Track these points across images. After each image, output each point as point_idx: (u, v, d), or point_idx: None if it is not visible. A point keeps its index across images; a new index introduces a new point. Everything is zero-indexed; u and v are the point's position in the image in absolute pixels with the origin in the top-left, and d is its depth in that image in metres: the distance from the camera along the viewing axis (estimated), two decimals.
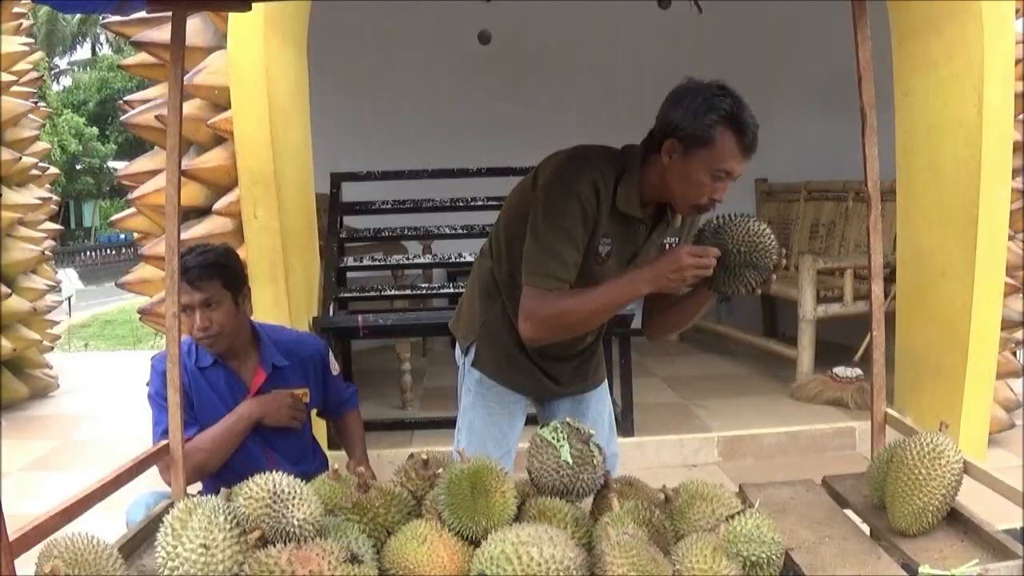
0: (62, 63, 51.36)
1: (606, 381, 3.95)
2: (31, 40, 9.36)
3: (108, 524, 2.99)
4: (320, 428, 4.84)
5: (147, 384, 3.90)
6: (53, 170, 9.91)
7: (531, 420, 3.74)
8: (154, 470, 3.24)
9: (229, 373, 3.92)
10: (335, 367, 4.22)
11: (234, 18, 5.28)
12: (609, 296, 3.09)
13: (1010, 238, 5.94)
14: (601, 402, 3.87)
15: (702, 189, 3.05)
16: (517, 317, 3.34)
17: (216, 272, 3.80)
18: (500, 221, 3.54)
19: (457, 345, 3.73)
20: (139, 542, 2.79)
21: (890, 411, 3.31)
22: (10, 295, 8.43)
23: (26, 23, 9.12)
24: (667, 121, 3.07)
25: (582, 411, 3.74)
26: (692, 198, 3.10)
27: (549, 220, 3.11)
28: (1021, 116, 6.22)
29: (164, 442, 3.13)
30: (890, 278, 6.28)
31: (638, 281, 3.05)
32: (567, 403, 3.74)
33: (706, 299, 3.31)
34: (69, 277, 22.73)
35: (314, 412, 4.23)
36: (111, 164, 40.48)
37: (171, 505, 2.68)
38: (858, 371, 7.16)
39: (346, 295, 7.03)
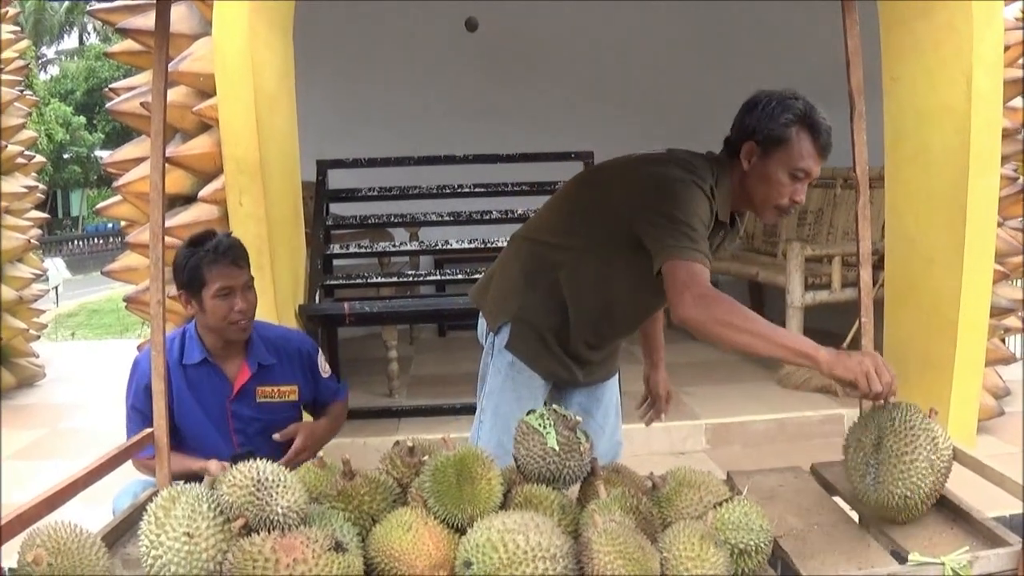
0: (49, 52, 51.19)
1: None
2: (17, 28, 9.33)
3: (92, 513, 2.98)
4: None
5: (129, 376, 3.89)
6: (39, 158, 9.87)
7: None
8: None
9: (215, 371, 3.91)
10: (325, 368, 4.19)
11: (219, 5, 5.26)
12: (785, 338, 2.91)
13: (999, 225, 5.94)
14: (613, 391, 3.90)
15: (782, 190, 3.16)
16: (575, 300, 3.41)
17: (247, 254, 3.87)
18: (560, 209, 3.54)
19: (483, 323, 3.68)
20: (123, 531, 2.78)
21: None
22: None
23: (13, 11, 9.09)
24: (743, 127, 3.19)
25: (597, 397, 3.77)
26: (773, 199, 3.19)
27: (683, 208, 3.07)
28: (1013, 102, 6.23)
29: (147, 431, 3.11)
30: (878, 265, 6.28)
31: (819, 351, 2.75)
32: (583, 392, 3.75)
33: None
34: (56, 266, 22.76)
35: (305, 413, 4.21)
36: (99, 153, 40.40)
37: (156, 493, 2.66)
38: None
39: (332, 282, 7.00)
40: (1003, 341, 6.98)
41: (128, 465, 3.06)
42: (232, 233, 3.95)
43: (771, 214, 3.29)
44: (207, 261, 3.72)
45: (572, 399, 3.70)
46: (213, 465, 3.48)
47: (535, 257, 3.50)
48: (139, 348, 6.01)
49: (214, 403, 3.90)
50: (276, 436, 3.84)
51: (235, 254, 3.76)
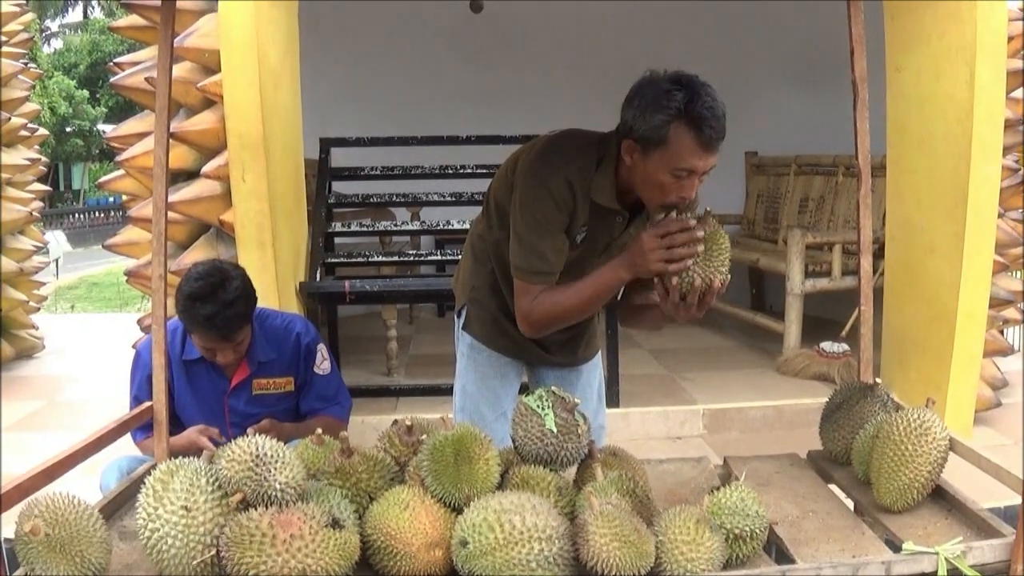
0: (53, 26, 50.99)
1: (599, 354, 3.93)
2: (22, 1, 9.32)
3: (87, 486, 2.99)
4: None
5: (132, 347, 3.88)
6: (42, 131, 9.87)
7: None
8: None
9: (213, 367, 3.88)
10: (323, 366, 4.09)
11: None
12: (595, 286, 3.05)
13: (1000, 216, 5.93)
14: (592, 374, 3.84)
15: (666, 189, 2.92)
16: (504, 284, 3.39)
17: (246, 318, 3.76)
18: (490, 190, 3.50)
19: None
20: (120, 503, 2.79)
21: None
22: None
23: None
24: (623, 121, 2.97)
25: (571, 380, 3.71)
26: (658, 198, 2.96)
27: (526, 215, 3.08)
28: (1015, 93, 6.22)
29: (147, 404, 3.12)
30: (879, 254, 6.27)
31: (617, 267, 2.96)
32: (556, 372, 3.71)
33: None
34: (57, 239, 22.78)
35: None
36: (101, 127, 40.35)
37: (154, 467, 2.67)
38: (845, 346, 7.17)
39: (333, 260, 7.01)
40: (1002, 332, 6.98)
41: (119, 440, 3.06)
42: (232, 290, 3.65)
43: (660, 210, 3.01)
44: (195, 328, 3.66)
45: (546, 379, 3.68)
46: (195, 433, 3.52)
47: (480, 239, 3.55)
48: (139, 322, 6.02)
49: (211, 397, 3.90)
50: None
51: (226, 330, 3.65)
